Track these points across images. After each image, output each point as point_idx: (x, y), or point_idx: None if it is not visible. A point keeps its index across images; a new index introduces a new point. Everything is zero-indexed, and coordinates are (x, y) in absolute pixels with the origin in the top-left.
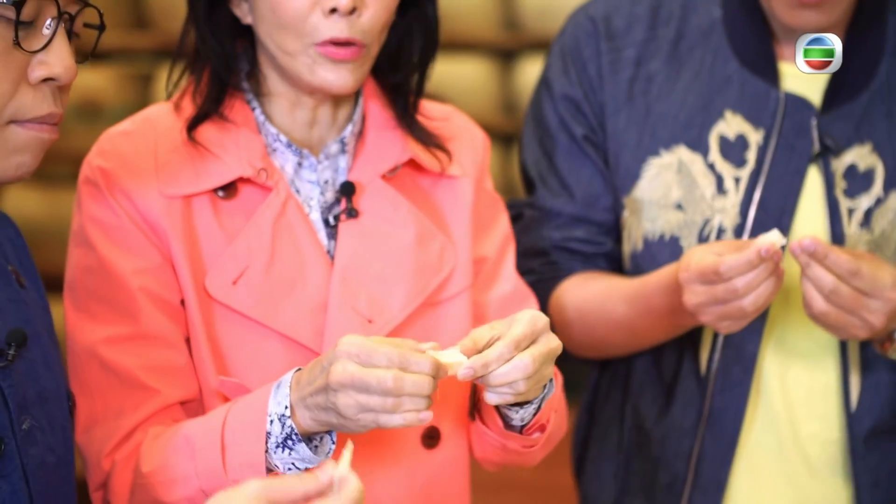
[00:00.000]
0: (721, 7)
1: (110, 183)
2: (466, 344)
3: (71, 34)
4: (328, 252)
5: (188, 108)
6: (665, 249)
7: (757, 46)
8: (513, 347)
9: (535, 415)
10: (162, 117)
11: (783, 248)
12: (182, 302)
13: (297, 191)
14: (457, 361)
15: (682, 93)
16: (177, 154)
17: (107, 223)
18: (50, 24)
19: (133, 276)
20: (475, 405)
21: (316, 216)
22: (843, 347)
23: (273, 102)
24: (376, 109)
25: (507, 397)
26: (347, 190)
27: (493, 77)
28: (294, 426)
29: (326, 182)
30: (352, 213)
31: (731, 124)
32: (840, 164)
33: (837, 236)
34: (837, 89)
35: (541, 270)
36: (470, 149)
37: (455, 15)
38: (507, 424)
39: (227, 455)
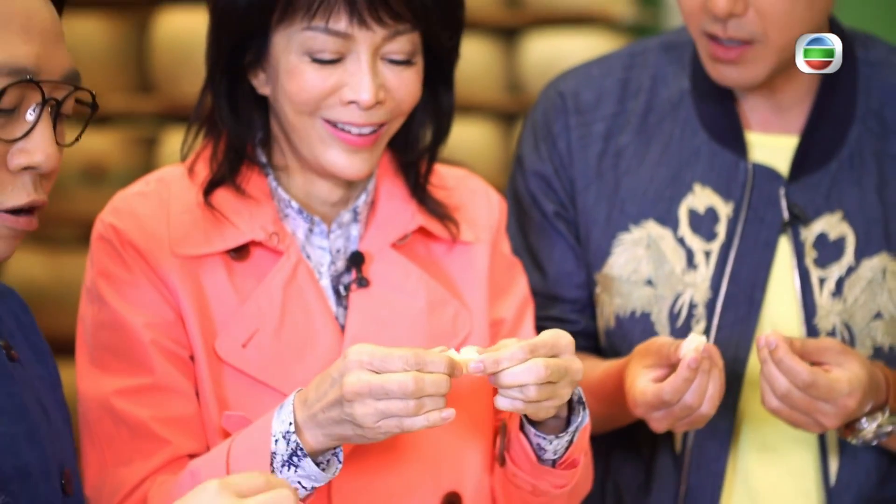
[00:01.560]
0: (689, 79)
1: (123, 240)
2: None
3: (59, 117)
4: (337, 319)
5: (202, 172)
6: (637, 326)
7: (724, 118)
8: (527, 351)
9: (567, 448)
10: (176, 180)
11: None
12: (192, 357)
13: (308, 256)
14: (471, 358)
15: (651, 167)
16: (190, 215)
17: (119, 278)
18: (34, 111)
19: (145, 329)
20: (504, 449)
21: (326, 283)
22: None
23: (286, 171)
24: (388, 180)
25: (517, 403)
26: (357, 260)
27: (497, 139)
28: (300, 442)
29: (338, 251)
30: (362, 282)
31: (701, 197)
32: (810, 233)
33: (809, 306)
34: (805, 158)
35: None
36: (485, 213)
37: (459, 78)
38: (540, 459)
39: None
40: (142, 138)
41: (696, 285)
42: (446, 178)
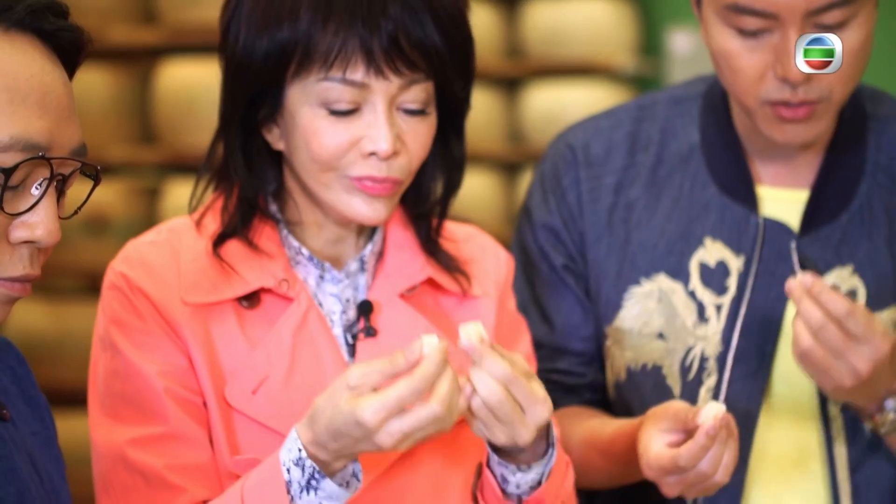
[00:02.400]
0: (699, 132)
1: (134, 288)
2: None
3: (62, 193)
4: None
5: (211, 226)
6: (648, 379)
7: (734, 172)
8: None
9: (533, 489)
10: (186, 230)
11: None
12: (205, 404)
13: (321, 303)
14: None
15: (661, 220)
16: (199, 263)
17: (131, 326)
18: (40, 185)
19: (158, 377)
20: (476, 488)
21: (339, 331)
22: (833, 475)
23: (299, 224)
24: (398, 231)
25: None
26: (365, 309)
27: (499, 188)
28: (315, 465)
29: (348, 300)
30: (370, 331)
31: (712, 251)
32: None
33: None
34: (816, 212)
35: None
36: (493, 269)
37: None
38: (505, 493)
39: None
40: (144, 189)
41: (708, 339)
42: (456, 233)
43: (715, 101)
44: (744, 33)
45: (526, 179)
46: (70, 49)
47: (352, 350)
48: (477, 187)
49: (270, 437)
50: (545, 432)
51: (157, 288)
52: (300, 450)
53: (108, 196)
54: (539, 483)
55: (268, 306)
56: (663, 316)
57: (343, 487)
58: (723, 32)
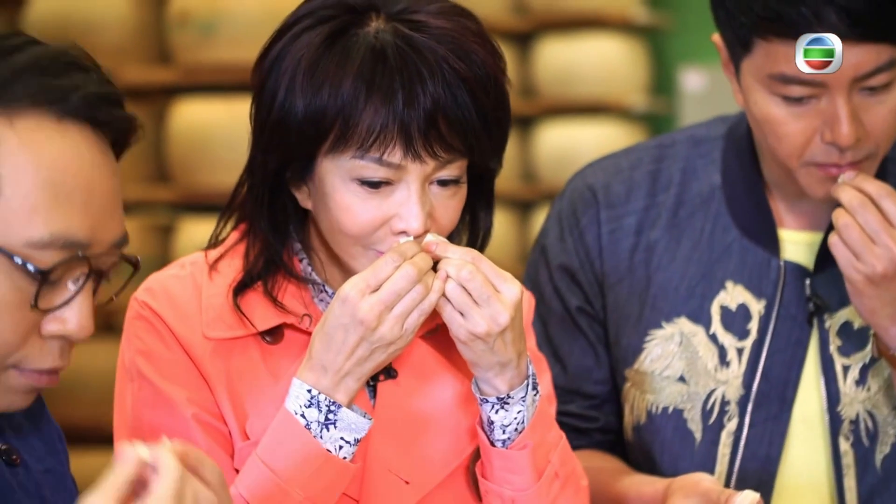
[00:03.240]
0: (721, 174)
1: (158, 318)
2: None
3: (98, 287)
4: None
5: (227, 269)
6: (669, 422)
7: (756, 215)
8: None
9: (518, 432)
10: (205, 267)
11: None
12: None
13: None
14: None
15: (682, 262)
16: (221, 299)
17: (157, 355)
18: (76, 281)
19: (187, 404)
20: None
21: None
22: None
23: (322, 263)
24: None
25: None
26: None
27: (512, 227)
28: (330, 398)
29: None
30: (391, 373)
31: (733, 295)
32: (834, 322)
33: (833, 394)
34: (829, 250)
35: None
36: None
37: None
38: (492, 443)
39: (277, 469)
40: (158, 227)
41: (729, 382)
42: None
43: (737, 143)
44: (789, 100)
45: (539, 218)
46: (124, 137)
47: (373, 391)
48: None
49: None
50: (522, 368)
51: (180, 321)
52: (308, 391)
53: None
54: (523, 425)
55: (290, 341)
56: (684, 359)
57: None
58: (766, 99)
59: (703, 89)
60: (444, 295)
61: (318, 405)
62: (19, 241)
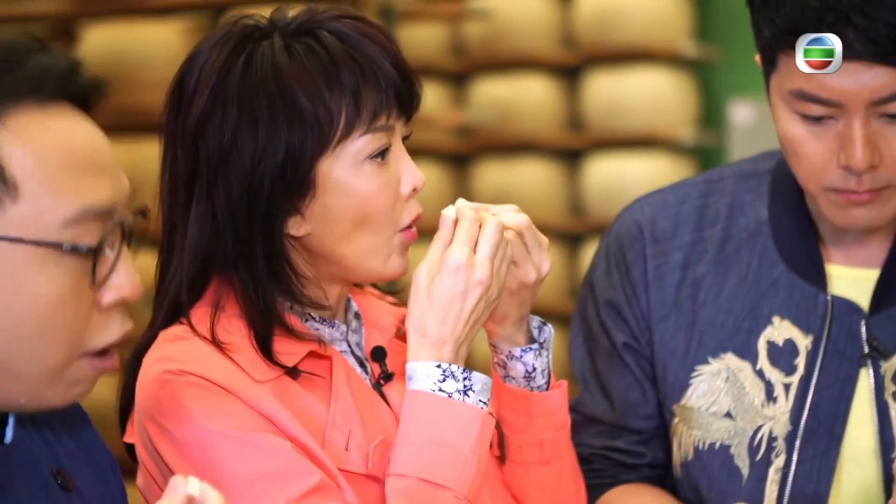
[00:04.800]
0: (768, 208)
1: (203, 379)
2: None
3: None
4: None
5: (227, 327)
6: (716, 458)
7: (803, 250)
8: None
9: (550, 371)
10: (198, 329)
11: None
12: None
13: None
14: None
15: (728, 297)
16: (244, 347)
17: (229, 412)
18: (112, 246)
19: (278, 440)
20: (503, 446)
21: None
22: None
23: (303, 299)
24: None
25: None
26: (379, 355)
27: (560, 260)
28: (458, 366)
29: (356, 346)
30: (389, 376)
31: (780, 330)
32: (890, 366)
33: (887, 441)
34: (886, 291)
35: (585, 476)
36: None
37: (524, 200)
38: (532, 389)
39: (448, 443)
40: None
41: (776, 418)
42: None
43: (784, 177)
44: (808, 119)
45: (587, 251)
46: (94, 101)
47: (381, 396)
48: None
49: (374, 486)
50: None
51: (225, 376)
52: (437, 366)
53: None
54: (551, 368)
55: (310, 368)
56: (731, 395)
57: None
58: (788, 117)
59: (753, 122)
60: (509, 243)
61: (453, 375)
62: (56, 226)
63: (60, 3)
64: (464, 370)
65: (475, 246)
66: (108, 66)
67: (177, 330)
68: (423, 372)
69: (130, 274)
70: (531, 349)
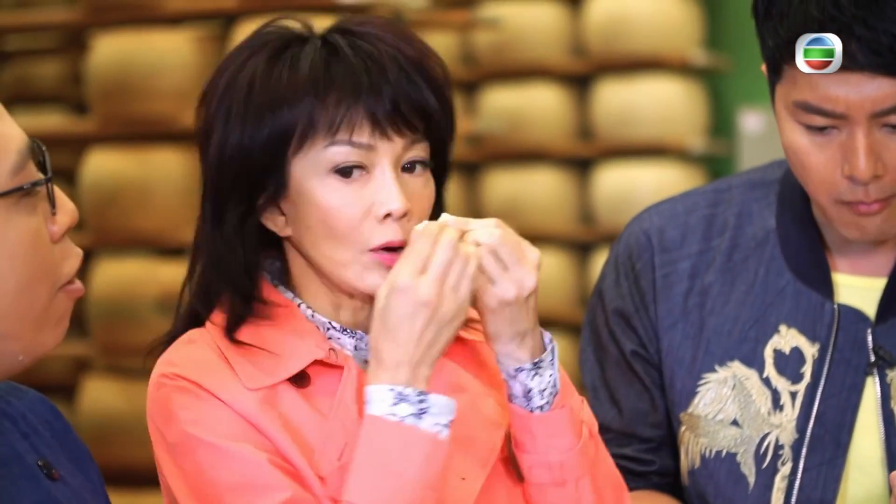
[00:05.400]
0: (775, 217)
1: (195, 385)
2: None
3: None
4: None
5: (242, 331)
6: (722, 466)
7: (810, 258)
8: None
9: (553, 396)
10: (212, 330)
11: None
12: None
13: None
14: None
15: (735, 306)
16: (245, 351)
17: (209, 418)
18: (41, 184)
19: (256, 451)
20: (515, 462)
21: None
22: None
23: (314, 301)
24: None
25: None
26: None
27: (570, 269)
28: (414, 387)
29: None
30: None
31: (786, 338)
32: (895, 375)
33: (893, 449)
34: (892, 300)
35: None
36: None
37: (534, 209)
38: (532, 410)
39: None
40: None
41: (783, 426)
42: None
43: (791, 186)
44: (812, 130)
45: (597, 260)
46: None
47: None
48: (548, 268)
49: None
50: (538, 335)
51: (217, 383)
52: (391, 389)
53: (180, 276)
54: (556, 388)
55: (322, 378)
56: (738, 403)
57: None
58: (793, 128)
59: (763, 131)
60: (480, 261)
61: (407, 398)
62: (5, 178)
63: (71, 12)
64: (420, 393)
65: (426, 266)
66: (118, 75)
67: (192, 333)
68: (377, 396)
69: (64, 202)
70: (524, 369)
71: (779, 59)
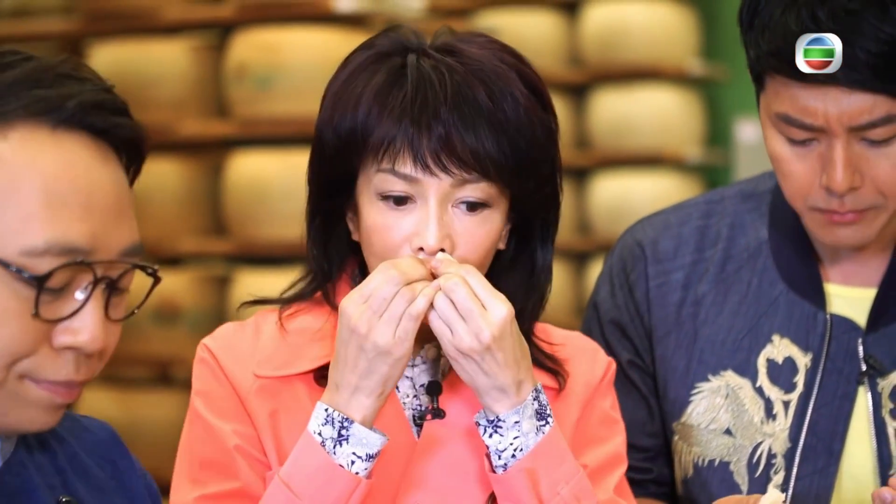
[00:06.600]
0: (767, 229)
1: (213, 359)
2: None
3: (115, 292)
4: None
5: (290, 322)
6: (715, 475)
7: (802, 269)
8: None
9: (514, 457)
10: (272, 315)
11: (784, 501)
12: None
13: (396, 387)
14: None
15: (729, 316)
16: (276, 340)
17: (211, 394)
18: (84, 289)
19: (232, 435)
20: None
21: (409, 414)
22: None
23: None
24: None
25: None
26: (434, 390)
27: (567, 279)
28: (344, 414)
29: (422, 385)
30: (438, 413)
31: (779, 348)
32: (887, 384)
33: (884, 458)
34: (883, 309)
35: None
36: (586, 370)
37: None
38: (493, 468)
39: (293, 485)
40: (214, 279)
41: (775, 435)
42: (553, 335)
43: (783, 197)
44: (793, 141)
45: (594, 269)
46: (129, 145)
47: (419, 431)
48: None
49: None
50: (523, 396)
51: (234, 361)
52: (325, 409)
53: (179, 286)
54: (522, 452)
55: None
56: (731, 412)
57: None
58: (775, 138)
59: (759, 140)
60: (435, 309)
61: (332, 422)
62: (15, 250)
63: (69, 22)
64: (345, 419)
65: (371, 294)
66: (116, 84)
67: (259, 313)
68: (315, 412)
69: (94, 324)
70: (479, 423)
71: (761, 71)
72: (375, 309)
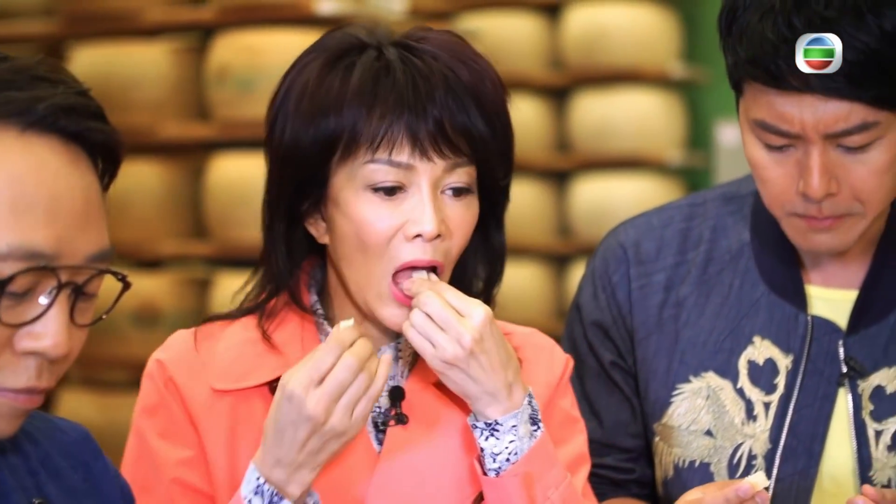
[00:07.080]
0: (749, 231)
1: (165, 376)
2: None
3: (81, 297)
4: (378, 453)
5: (250, 327)
6: (696, 476)
7: (784, 271)
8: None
9: (508, 460)
10: (231, 323)
11: (768, 489)
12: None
13: None
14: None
15: (710, 318)
16: (234, 350)
17: (158, 413)
18: (48, 295)
19: (173, 466)
20: None
21: (370, 420)
22: None
23: (340, 315)
24: None
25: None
26: (397, 396)
27: (547, 281)
28: (273, 488)
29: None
30: (401, 419)
31: (760, 349)
32: (867, 385)
33: (864, 459)
34: (864, 311)
35: None
36: (546, 371)
37: (509, 221)
38: (486, 471)
39: None
40: (194, 281)
41: (756, 436)
42: (513, 336)
43: None
44: (770, 147)
45: (575, 272)
46: (103, 149)
47: (381, 436)
48: (525, 280)
49: None
50: (517, 399)
51: (188, 374)
52: (258, 478)
53: (159, 288)
54: (517, 456)
55: None
56: (711, 413)
57: None
58: (753, 143)
59: (739, 144)
60: (413, 326)
61: (263, 493)
62: None
63: (49, 24)
64: (276, 494)
65: (322, 377)
66: (96, 87)
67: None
68: (248, 476)
69: (57, 329)
70: (476, 427)
71: (739, 77)
72: (333, 395)
